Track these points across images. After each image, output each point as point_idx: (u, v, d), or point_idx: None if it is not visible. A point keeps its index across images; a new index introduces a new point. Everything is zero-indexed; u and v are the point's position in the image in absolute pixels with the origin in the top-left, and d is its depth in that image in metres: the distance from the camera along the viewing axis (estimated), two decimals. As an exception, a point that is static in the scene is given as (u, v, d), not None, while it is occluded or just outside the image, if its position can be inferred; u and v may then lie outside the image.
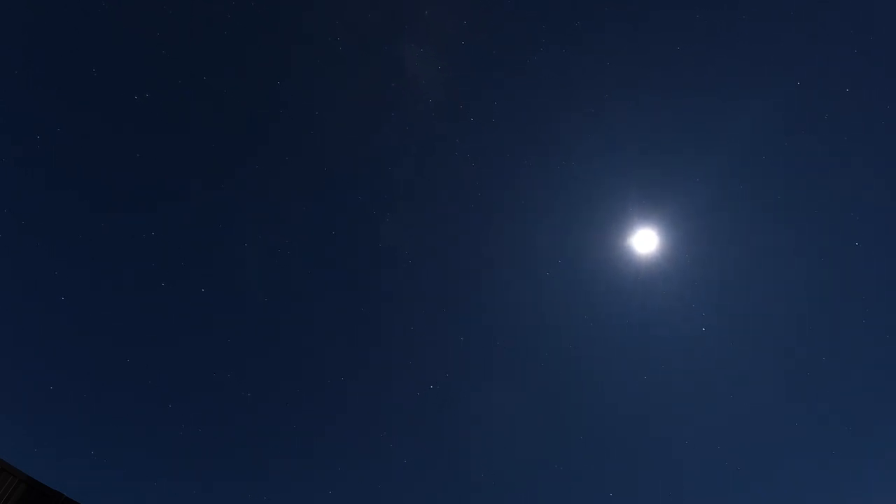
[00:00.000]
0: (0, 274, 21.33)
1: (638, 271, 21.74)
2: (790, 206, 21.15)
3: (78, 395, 22.41)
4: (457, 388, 25.02)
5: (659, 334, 22.98)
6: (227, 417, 24.18)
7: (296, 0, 22.18)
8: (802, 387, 22.99)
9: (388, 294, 25.43)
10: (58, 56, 20.41)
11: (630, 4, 21.66)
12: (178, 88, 21.41)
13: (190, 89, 21.59)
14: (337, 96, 23.65)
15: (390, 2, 22.32)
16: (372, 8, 22.35)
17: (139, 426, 23.08)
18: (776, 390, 23.19)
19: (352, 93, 23.83)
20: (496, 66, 23.55)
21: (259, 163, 23.50)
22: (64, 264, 21.79)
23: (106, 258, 22.44)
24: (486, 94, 23.72)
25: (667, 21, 21.02)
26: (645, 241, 21.58)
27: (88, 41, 20.50)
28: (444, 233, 25.06)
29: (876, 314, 21.93)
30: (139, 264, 22.68)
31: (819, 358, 22.06)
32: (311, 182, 24.32)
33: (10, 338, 22.08)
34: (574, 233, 23.36)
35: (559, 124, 23.40)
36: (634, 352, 23.65)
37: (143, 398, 23.12)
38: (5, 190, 20.69)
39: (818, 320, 22.31)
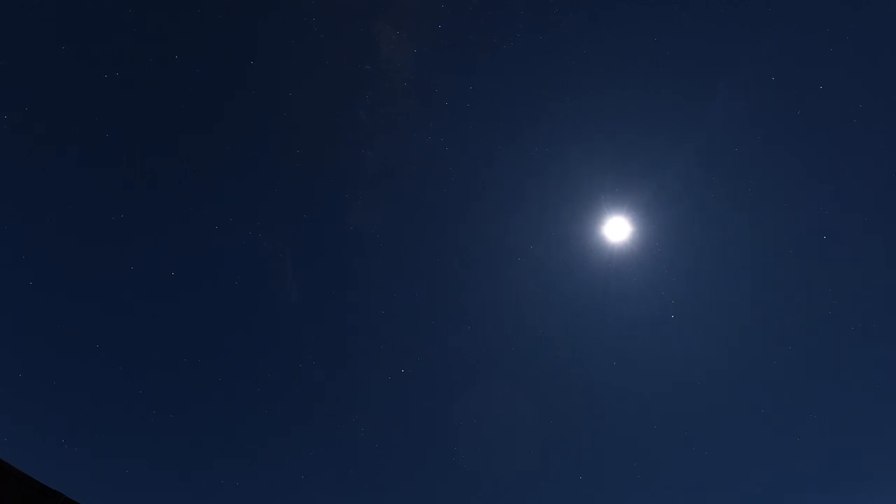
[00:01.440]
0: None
1: (610, 258, 22.34)
2: (760, 197, 22.01)
3: (55, 390, 21.94)
4: (428, 371, 25.33)
5: (628, 320, 23.70)
6: (198, 403, 23.94)
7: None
8: (768, 374, 24.05)
9: (359, 277, 25.42)
10: (21, 31, 19.42)
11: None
12: (147, 68, 20.71)
13: (160, 69, 20.91)
14: (310, 77, 23.29)
15: (367, -17, 22.02)
16: (349, -11, 22.00)
17: (110, 416, 22.67)
18: (742, 377, 24.23)
19: (325, 74, 23.49)
20: (473, 50, 23.54)
21: (229, 144, 23.04)
22: (24, 251, 21.01)
23: (71, 242, 21.73)
24: (461, 79, 23.68)
25: (644, 12, 21.39)
26: (617, 229, 22.15)
27: (56, 19, 19.57)
28: (415, 216, 25.12)
29: (842, 305, 23.06)
30: (106, 249, 22.06)
31: (786, 346, 23.25)
32: (282, 163, 23.98)
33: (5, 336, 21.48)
34: (547, 219, 23.73)
35: (534, 110, 23.59)
36: (603, 337, 24.34)
37: (112, 385, 22.66)
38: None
39: (784, 310, 23.39)
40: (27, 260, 20.76)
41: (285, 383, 24.96)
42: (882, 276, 22.40)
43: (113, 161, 21.48)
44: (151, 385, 23.31)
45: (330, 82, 23.69)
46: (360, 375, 25.59)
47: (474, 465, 25.17)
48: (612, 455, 25.66)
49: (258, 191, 24.16)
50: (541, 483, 25.80)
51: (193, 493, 23.83)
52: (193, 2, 20.96)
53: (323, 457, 25.16)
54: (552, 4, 22.52)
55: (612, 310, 23.43)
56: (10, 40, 19.71)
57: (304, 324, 25.48)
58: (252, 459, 24.69)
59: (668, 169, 21.69)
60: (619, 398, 24.91)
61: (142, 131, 21.43)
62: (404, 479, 25.94)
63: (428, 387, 25.59)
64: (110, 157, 21.37)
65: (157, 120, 21.56)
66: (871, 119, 20.58)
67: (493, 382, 25.51)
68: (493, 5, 23.02)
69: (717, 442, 24.62)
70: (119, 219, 21.51)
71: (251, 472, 24.56)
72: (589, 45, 22.66)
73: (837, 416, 24.07)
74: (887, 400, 23.78)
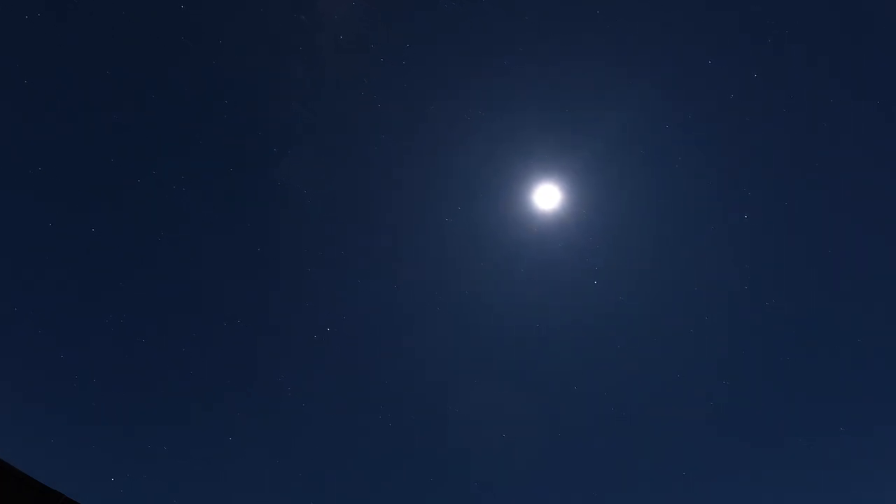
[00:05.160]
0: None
1: (541, 224, 23.55)
2: (686, 173, 23.80)
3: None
4: (353, 329, 25.64)
5: (552, 285, 25.04)
6: (120, 363, 23.03)
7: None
8: (684, 341, 25.90)
9: (286, 234, 25.12)
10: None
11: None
12: (74, 16, 18.81)
13: (87, 19, 19.09)
14: (243, 28, 22.22)
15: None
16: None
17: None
18: (659, 344, 26.03)
19: (259, 25, 22.48)
20: (410, 7, 23.33)
21: (156, 93, 21.66)
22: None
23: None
24: (398, 36, 23.52)
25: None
26: (547, 196, 23.32)
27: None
28: (344, 172, 24.99)
29: (757, 280, 25.18)
30: (26, 199, 20.31)
31: (703, 317, 25.65)
32: (210, 115, 22.91)
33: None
34: (478, 181, 24.46)
35: (469, 73, 23.91)
36: (527, 299, 25.58)
37: (28, 337, 21.30)
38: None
39: (703, 281, 25.34)
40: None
41: (209, 343, 24.47)
42: (798, 254, 24.83)
43: (37, 119, 19.62)
44: (70, 343, 22.18)
45: (263, 32, 22.67)
46: (286, 334, 25.55)
47: (400, 419, 26.18)
48: (532, 416, 27.06)
49: (184, 141, 23.03)
50: (464, 436, 27.01)
51: (119, 456, 23.13)
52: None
53: (250, 417, 25.12)
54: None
55: (536, 272, 24.79)
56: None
57: (228, 279, 24.91)
58: (179, 421, 24.23)
59: (597, 138, 22.94)
60: (542, 362, 26.41)
61: (66, 81, 19.58)
62: (330, 436, 26.48)
63: (352, 344, 25.97)
64: (33, 113, 19.47)
65: (81, 71, 19.76)
66: (797, 108, 22.68)
67: (416, 339, 26.34)
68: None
69: (633, 403, 26.60)
70: (37, 171, 19.75)
71: (178, 434, 24.15)
72: (528, 11, 23.12)
73: (748, 384, 26.50)
74: (801, 368, 26.25)
